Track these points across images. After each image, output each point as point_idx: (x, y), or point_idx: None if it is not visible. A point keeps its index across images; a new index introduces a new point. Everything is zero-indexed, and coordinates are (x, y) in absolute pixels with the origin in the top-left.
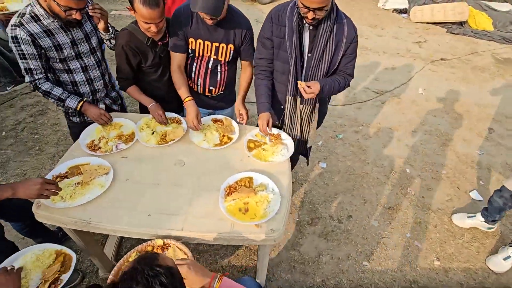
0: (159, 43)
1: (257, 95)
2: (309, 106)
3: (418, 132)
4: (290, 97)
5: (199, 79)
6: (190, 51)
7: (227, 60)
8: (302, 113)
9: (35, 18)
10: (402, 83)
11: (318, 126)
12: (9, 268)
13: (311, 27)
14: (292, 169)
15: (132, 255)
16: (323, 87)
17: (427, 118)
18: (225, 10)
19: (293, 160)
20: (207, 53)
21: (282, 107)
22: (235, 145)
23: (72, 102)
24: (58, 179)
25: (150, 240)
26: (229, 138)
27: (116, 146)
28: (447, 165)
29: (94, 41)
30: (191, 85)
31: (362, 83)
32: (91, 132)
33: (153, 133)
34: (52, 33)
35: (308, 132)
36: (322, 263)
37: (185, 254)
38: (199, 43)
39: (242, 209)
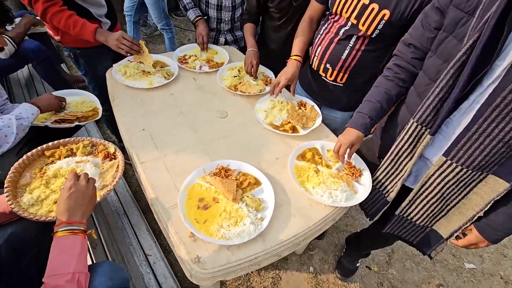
0: None
1: (366, 97)
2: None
3: None
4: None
5: (319, 47)
6: (329, 4)
7: (369, 33)
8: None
9: None
10: None
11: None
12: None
13: None
14: (368, 248)
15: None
16: None
17: None
18: None
19: (376, 237)
20: (346, 12)
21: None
22: (288, 141)
23: (192, 14)
24: None
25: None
26: (293, 130)
27: (200, 67)
28: None
29: None
30: (311, 54)
31: None
32: (189, 48)
33: (235, 76)
34: None
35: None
36: None
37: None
38: None
39: (201, 205)
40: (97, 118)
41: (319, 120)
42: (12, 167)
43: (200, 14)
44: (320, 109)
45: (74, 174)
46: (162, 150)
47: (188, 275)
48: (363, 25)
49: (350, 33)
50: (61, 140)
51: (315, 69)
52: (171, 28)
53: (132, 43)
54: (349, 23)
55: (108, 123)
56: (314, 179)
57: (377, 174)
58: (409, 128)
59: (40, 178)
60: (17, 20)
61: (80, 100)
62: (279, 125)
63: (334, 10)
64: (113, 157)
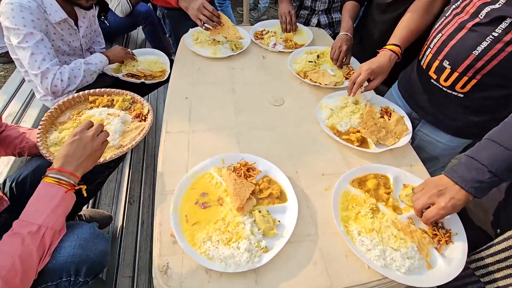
0: None
1: (492, 134)
2: None
3: None
4: None
5: (439, 34)
6: None
7: None
8: None
9: None
10: None
11: None
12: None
13: None
14: None
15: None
16: None
17: None
18: None
19: None
20: None
21: None
22: (350, 156)
23: None
24: None
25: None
26: (362, 143)
27: (274, 45)
28: None
29: None
30: (424, 45)
31: None
32: (271, 24)
33: (310, 61)
34: None
35: None
36: None
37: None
38: None
39: (201, 201)
40: (162, 79)
41: (405, 139)
42: (56, 103)
43: None
44: (416, 125)
45: (88, 122)
46: (193, 125)
47: (154, 282)
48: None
49: (499, 14)
50: (107, 89)
51: (424, 67)
52: None
53: (212, 13)
54: (484, 10)
55: None
56: (366, 220)
57: (483, 254)
58: None
59: (74, 121)
60: None
61: (154, 60)
62: (343, 131)
63: None
64: (144, 118)
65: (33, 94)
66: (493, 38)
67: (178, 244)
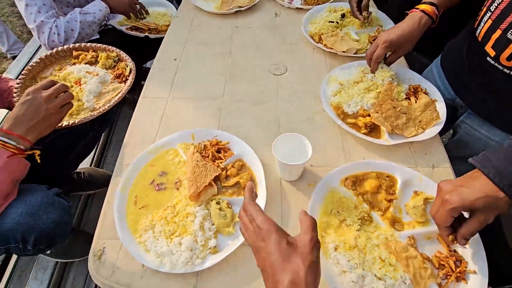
0: None
1: None
2: None
3: None
4: None
5: (497, 0)
6: None
7: None
8: None
9: None
10: None
11: None
12: None
13: None
14: None
15: None
16: None
17: None
18: None
19: None
20: None
21: None
22: (353, 146)
23: None
24: None
25: None
26: (371, 131)
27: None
28: None
29: None
30: (481, 10)
31: None
32: None
33: (331, 22)
34: None
35: None
36: None
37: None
38: None
39: (156, 182)
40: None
41: (433, 130)
42: (39, 57)
43: None
44: (460, 114)
45: (47, 82)
46: (174, 91)
47: (88, 265)
48: None
49: None
50: (93, 44)
51: (480, 39)
52: None
53: None
54: None
55: None
56: (349, 232)
57: None
58: None
59: (54, 76)
60: None
61: (162, 12)
62: (350, 113)
63: None
64: (125, 80)
65: None
66: None
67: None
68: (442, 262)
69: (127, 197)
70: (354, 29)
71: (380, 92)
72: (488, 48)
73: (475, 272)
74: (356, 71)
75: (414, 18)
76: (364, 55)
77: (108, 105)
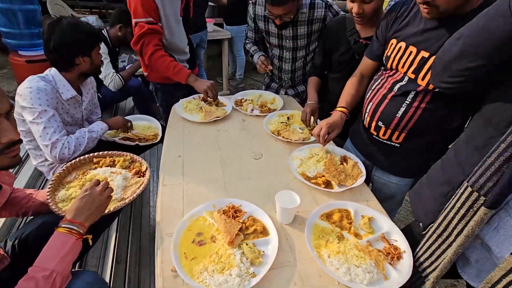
0: (361, 40)
1: None
2: None
3: None
4: None
5: (370, 103)
6: (383, 59)
7: (431, 88)
8: None
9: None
10: None
11: None
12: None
13: None
14: None
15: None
16: None
17: None
18: None
19: None
20: (402, 67)
21: None
22: (318, 196)
23: (256, 56)
24: None
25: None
26: (327, 185)
27: (252, 110)
28: None
29: (300, 43)
30: (362, 110)
31: None
32: (249, 93)
33: (282, 122)
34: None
35: None
36: None
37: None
38: (400, 48)
39: (197, 240)
40: (155, 142)
41: (361, 180)
42: (64, 165)
43: (264, 54)
44: (370, 170)
45: (96, 181)
46: (186, 178)
47: None
48: (422, 79)
49: (407, 89)
50: (109, 152)
51: (366, 126)
52: None
53: (216, 96)
54: (406, 78)
55: None
56: (333, 245)
57: (418, 254)
58: (461, 193)
59: (79, 179)
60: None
61: (147, 125)
62: (312, 176)
63: (389, 66)
64: (142, 175)
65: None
66: (407, 104)
67: (179, 277)
68: (388, 251)
69: (178, 254)
70: (297, 126)
71: (325, 162)
72: (372, 130)
73: (404, 251)
74: (308, 151)
75: (337, 114)
76: (308, 141)
77: (135, 194)
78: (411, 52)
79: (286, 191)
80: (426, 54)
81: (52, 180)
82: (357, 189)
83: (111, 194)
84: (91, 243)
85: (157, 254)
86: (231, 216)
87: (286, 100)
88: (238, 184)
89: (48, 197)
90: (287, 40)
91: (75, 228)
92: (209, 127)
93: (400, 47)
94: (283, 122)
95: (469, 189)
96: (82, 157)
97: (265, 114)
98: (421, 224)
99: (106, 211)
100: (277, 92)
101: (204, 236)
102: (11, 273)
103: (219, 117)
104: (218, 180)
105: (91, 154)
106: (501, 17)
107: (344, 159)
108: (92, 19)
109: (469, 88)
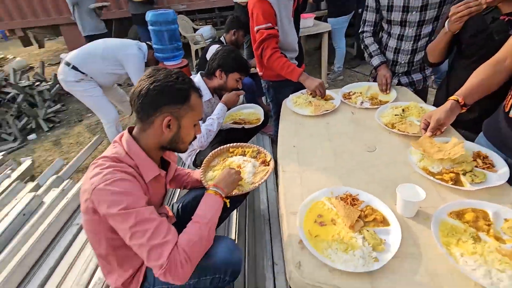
0: (503, 17)
1: None
2: None
3: None
4: None
5: None
6: None
7: None
8: None
9: None
10: None
11: None
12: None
13: None
14: None
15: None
16: None
17: None
18: None
19: None
20: None
21: None
22: (445, 192)
23: (375, 61)
24: None
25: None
26: (456, 182)
27: (362, 103)
28: None
29: (429, 14)
30: (508, 95)
31: None
32: (356, 86)
33: (397, 115)
34: None
35: None
36: None
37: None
38: None
39: (318, 221)
40: (258, 124)
41: (503, 177)
42: (211, 153)
43: (385, 60)
44: None
45: (237, 170)
46: (303, 166)
47: (287, 277)
48: None
49: None
50: (242, 144)
51: (511, 115)
52: None
53: (324, 94)
54: None
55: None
56: (467, 246)
57: None
58: None
59: (221, 164)
60: None
61: (252, 112)
62: (436, 172)
63: None
64: (267, 164)
65: None
66: None
67: (305, 249)
68: None
69: (303, 230)
70: (415, 119)
71: (454, 159)
72: None
73: None
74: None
75: (446, 104)
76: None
77: (263, 179)
78: None
79: (408, 184)
80: None
81: (203, 164)
82: (499, 189)
83: (244, 178)
84: (228, 205)
85: (285, 227)
86: (349, 203)
87: (399, 91)
88: (352, 175)
89: (201, 176)
90: (414, 12)
91: (219, 191)
92: (318, 120)
93: None
94: (397, 115)
95: None
96: (223, 147)
97: (376, 106)
98: None
99: (243, 191)
100: None
101: (324, 218)
102: (177, 228)
103: (328, 110)
104: (332, 169)
105: (228, 145)
106: None
107: (478, 155)
108: (207, 29)
109: None
